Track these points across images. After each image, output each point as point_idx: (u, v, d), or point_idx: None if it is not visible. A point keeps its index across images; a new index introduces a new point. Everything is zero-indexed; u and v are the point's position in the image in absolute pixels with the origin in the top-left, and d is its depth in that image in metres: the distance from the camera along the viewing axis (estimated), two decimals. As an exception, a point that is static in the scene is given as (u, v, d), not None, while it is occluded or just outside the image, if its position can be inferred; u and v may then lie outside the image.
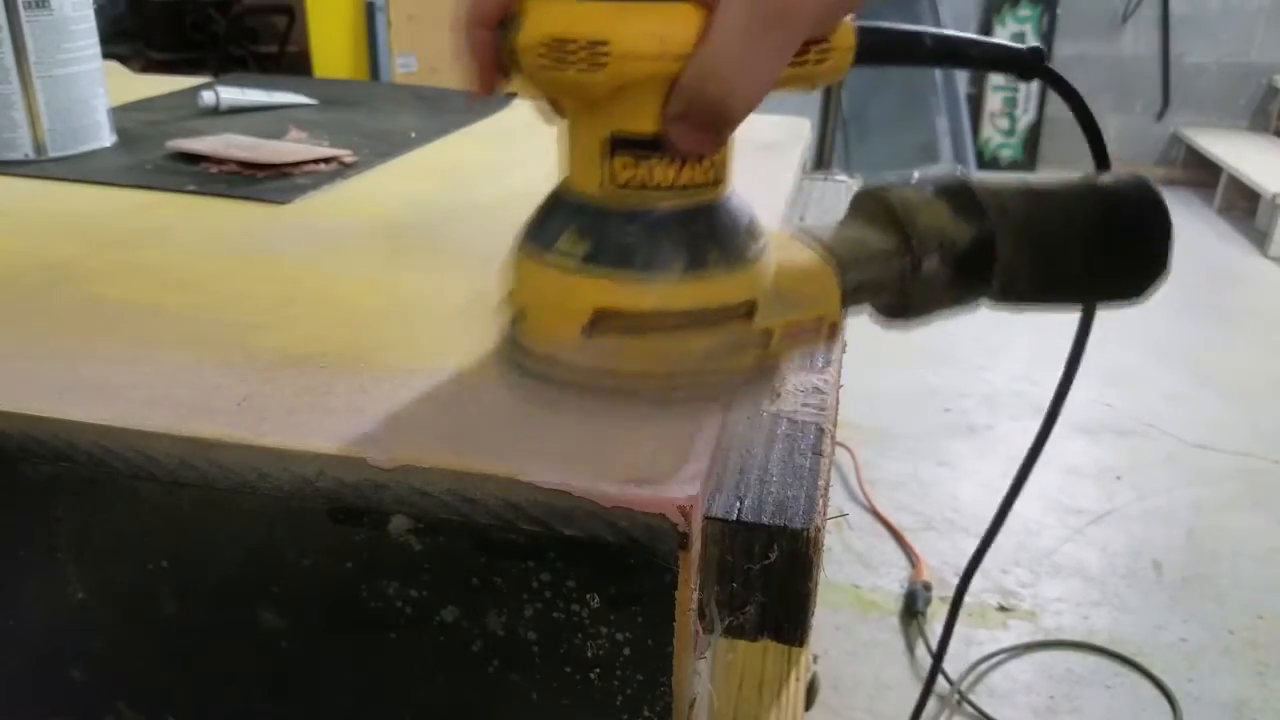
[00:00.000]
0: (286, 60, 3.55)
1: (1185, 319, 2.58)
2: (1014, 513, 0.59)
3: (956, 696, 1.29)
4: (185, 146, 0.65)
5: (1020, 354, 2.29)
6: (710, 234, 0.33)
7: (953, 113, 3.39)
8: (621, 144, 0.31)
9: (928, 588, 1.45)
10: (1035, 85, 3.77)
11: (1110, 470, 1.83)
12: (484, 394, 0.34)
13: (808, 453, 0.35)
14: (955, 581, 0.66)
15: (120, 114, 0.73)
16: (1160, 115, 3.84)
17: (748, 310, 0.33)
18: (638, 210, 0.32)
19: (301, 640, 0.33)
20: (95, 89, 0.67)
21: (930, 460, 1.85)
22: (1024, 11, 3.72)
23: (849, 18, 0.33)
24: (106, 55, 0.70)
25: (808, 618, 0.32)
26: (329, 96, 0.88)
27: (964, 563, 0.66)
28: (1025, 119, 3.84)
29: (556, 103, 0.33)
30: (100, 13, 0.79)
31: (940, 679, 1.30)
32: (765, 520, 0.31)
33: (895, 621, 1.44)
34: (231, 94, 0.81)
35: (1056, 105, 3.82)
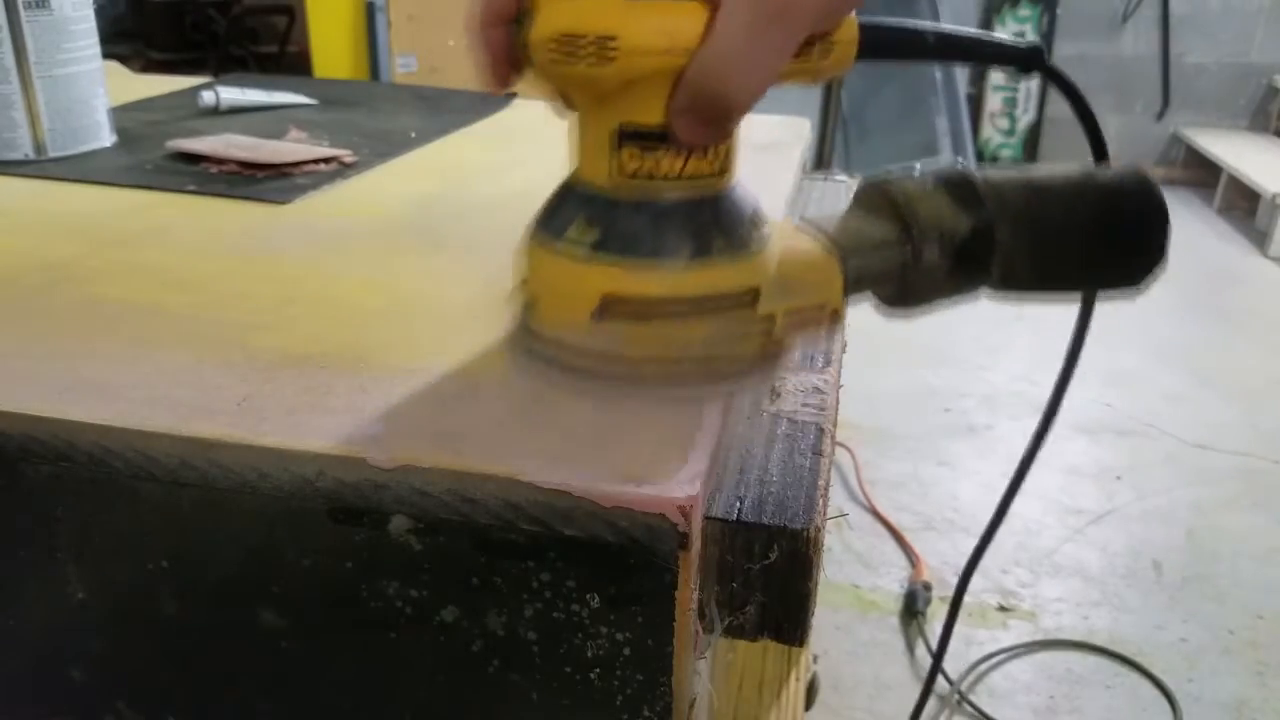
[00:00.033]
0: (286, 60, 3.55)
1: (1185, 319, 2.58)
2: (1014, 513, 0.59)
3: (956, 696, 1.29)
4: (185, 146, 0.65)
5: (1020, 354, 2.29)
6: (715, 223, 0.33)
7: (953, 113, 3.39)
8: (629, 136, 0.32)
9: (928, 588, 1.45)
10: (1035, 85, 3.77)
11: (1110, 470, 1.83)
12: (484, 393, 0.34)
13: (808, 453, 0.35)
14: (955, 581, 0.66)
15: (120, 114, 0.73)
16: (1160, 115, 3.84)
17: (751, 297, 0.34)
18: (645, 200, 0.33)
19: (301, 640, 0.33)
20: (95, 89, 0.67)
21: (930, 460, 1.85)
22: (1024, 11, 3.72)
23: (852, 14, 0.34)
24: (106, 55, 0.70)
25: (808, 618, 0.32)
26: (329, 96, 0.88)
27: (964, 563, 0.66)
28: (1025, 119, 3.84)
29: (567, 96, 0.34)
30: (100, 13, 0.79)
31: (940, 679, 1.30)
32: (765, 520, 0.31)
33: (895, 621, 1.44)
34: (231, 94, 0.81)
35: (1056, 105, 3.82)
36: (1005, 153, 3.86)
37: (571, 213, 0.34)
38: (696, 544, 0.29)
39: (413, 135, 0.74)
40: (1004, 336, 2.40)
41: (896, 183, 0.37)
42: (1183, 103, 3.82)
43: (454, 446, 0.30)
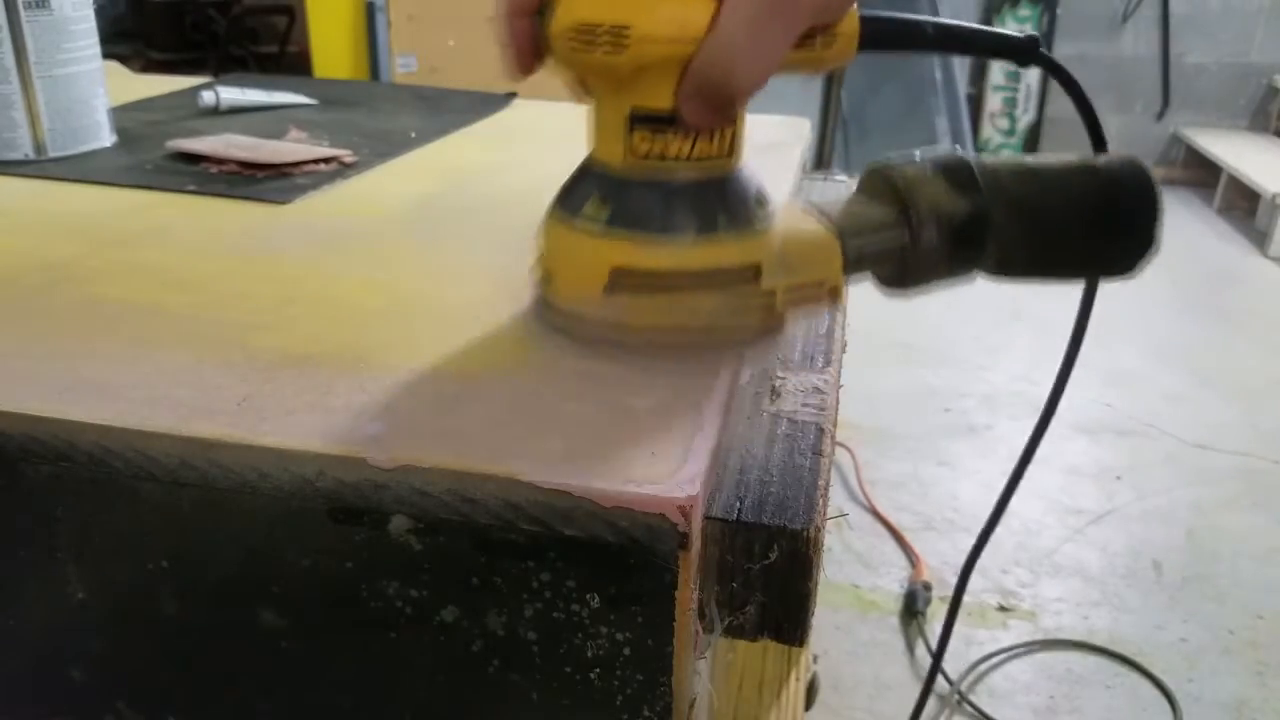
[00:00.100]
0: (286, 60, 3.55)
1: (1185, 319, 2.58)
2: (1014, 513, 0.60)
3: (956, 696, 1.29)
4: (185, 146, 0.65)
5: (1020, 354, 2.29)
6: (720, 202, 0.36)
7: (953, 113, 3.39)
8: (641, 119, 0.35)
9: (928, 588, 1.45)
10: (1035, 85, 3.77)
11: (1110, 470, 1.83)
12: (484, 393, 0.34)
13: (808, 453, 0.35)
14: (955, 581, 0.66)
15: (120, 114, 0.73)
16: (1160, 115, 3.84)
17: (754, 272, 0.36)
18: (655, 180, 0.35)
19: (301, 640, 0.33)
20: (95, 89, 0.67)
21: (930, 460, 1.85)
22: (1024, 11, 3.72)
23: (854, 6, 0.35)
24: (106, 55, 0.70)
25: (808, 618, 0.32)
26: (329, 96, 0.88)
27: (964, 563, 0.66)
28: (1025, 119, 3.84)
29: (585, 83, 0.36)
30: (100, 13, 0.79)
31: (940, 679, 1.30)
32: (765, 520, 0.31)
33: (895, 621, 1.44)
34: (231, 94, 0.81)
35: (1056, 105, 3.82)
36: (1005, 153, 3.86)
37: (587, 191, 0.37)
38: (696, 544, 0.29)
39: (413, 135, 0.74)
40: (1004, 336, 2.40)
41: (897, 167, 0.39)
42: (1183, 103, 3.82)
43: (454, 446, 0.30)
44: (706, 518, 0.30)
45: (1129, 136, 3.78)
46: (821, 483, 0.33)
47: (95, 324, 0.39)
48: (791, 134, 0.79)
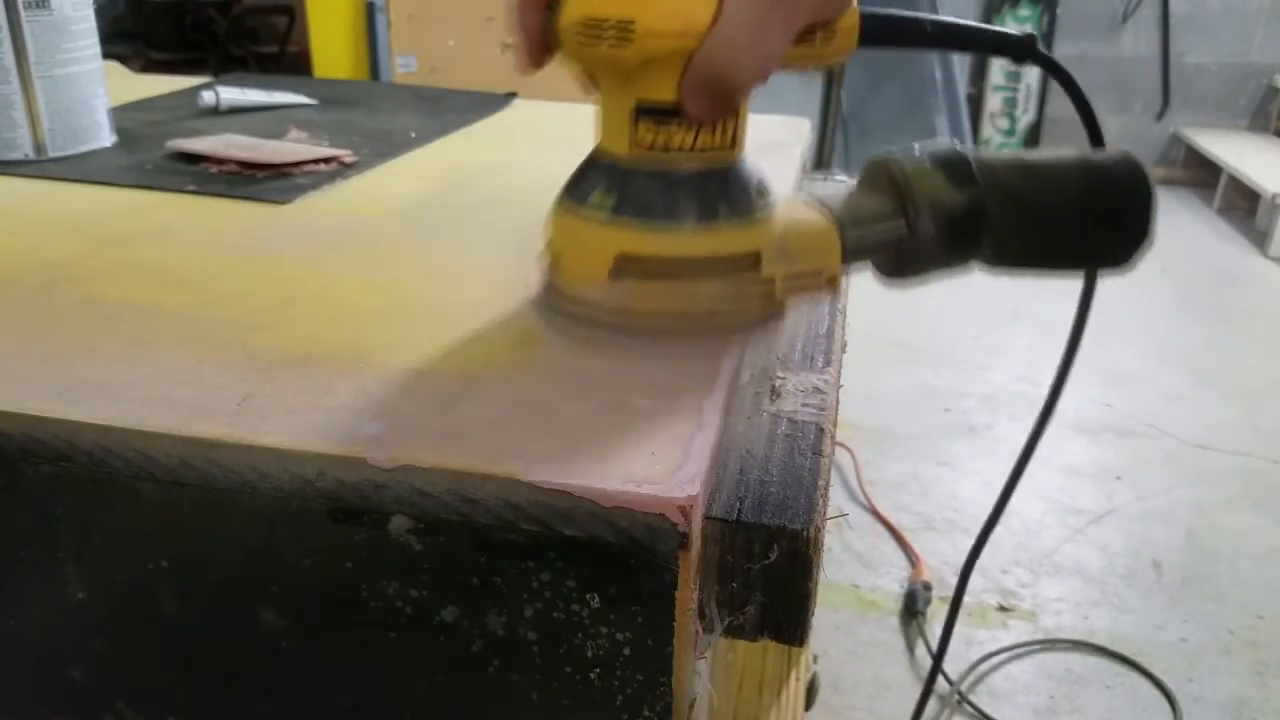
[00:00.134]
0: (286, 60, 3.55)
1: (1185, 319, 2.58)
2: (1014, 513, 0.60)
3: (956, 696, 1.29)
4: (185, 146, 0.65)
5: (1020, 354, 2.29)
6: (722, 192, 0.37)
7: (953, 113, 3.39)
8: (645, 111, 0.36)
9: (928, 588, 1.45)
10: (1035, 85, 3.77)
11: (1110, 470, 1.83)
12: (484, 393, 0.34)
13: (808, 453, 0.35)
14: (955, 581, 0.66)
15: (120, 114, 0.73)
16: (1160, 115, 3.84)
17: (754, 260, 0.37)
18: (659, 170, 0.37)
19: (301, 640, 0.33)
20: (95, 89, 0.67)
21: (930, 460, 1.85)
22: (1024, 11, 3.72)
23: (854, 3, 0.37)
24: (106, 55, 0.70)
25: (808, 618, 0.32)
26: (329, 96, 0.88)
27: (964, 562, 0.66)
28: (1025, 119, 3.84)
29: (593, 76, 0.37)
30: (100, 13, 0.79)
31: (940, 679, 1.30)
32: (765, 520, 0.31)
33: (895, 621, 1.44)
34: (231, 94, 0.81)
35: (1055, 105, 3.82)
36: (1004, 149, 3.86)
37: (594, 181, 0.38)
38: (696, 544, 0.29)
39: (413, 135, 0.74)
40: (1004, 336, 2.40)
41: (896, 161, 0.40)
42: (1183, 103, 3.82)
43: (454, 446, 0.30)
44: (706, 518, 0.30)
45: (1129, 136, 3.78)
46: (821, 483, 0.33)
47: (95, 324, 0.39)
48: (791, 134, 0.79)
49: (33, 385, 0.34)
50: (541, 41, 0.36)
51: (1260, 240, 3.13)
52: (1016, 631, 1.41)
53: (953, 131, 3.34)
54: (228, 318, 0.40)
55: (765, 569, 0.31)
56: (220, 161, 0.63)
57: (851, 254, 0.39)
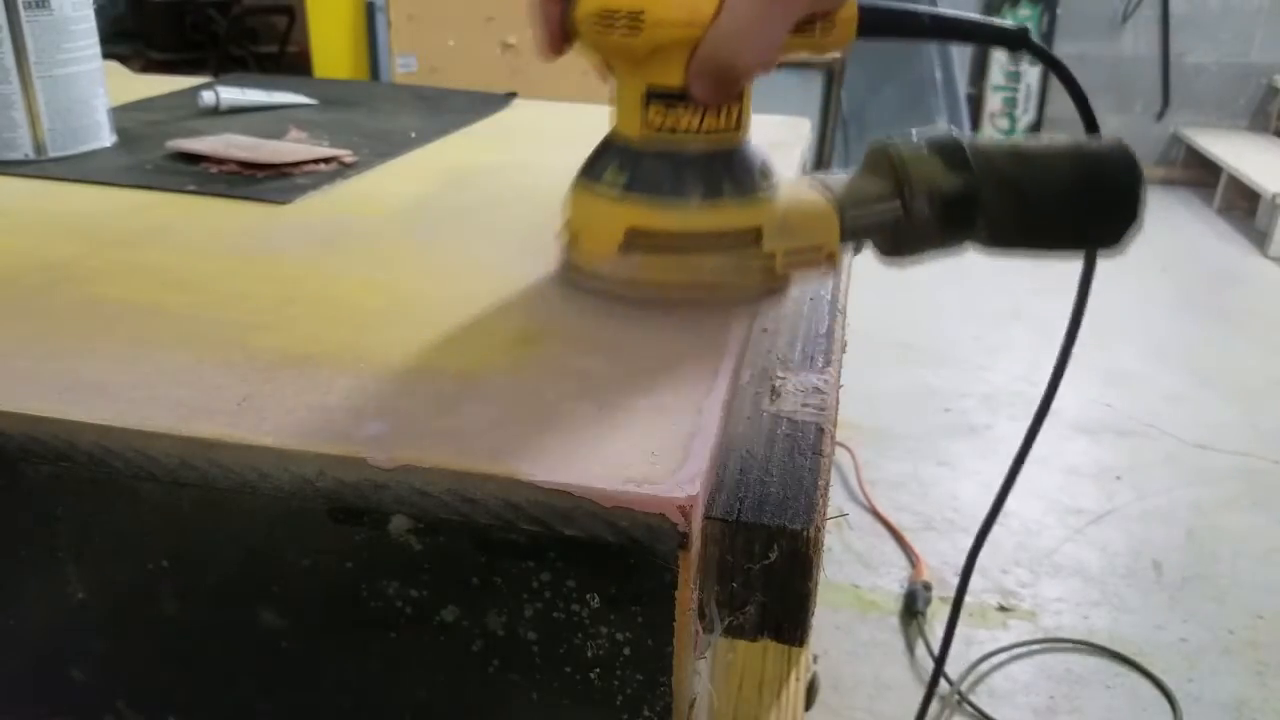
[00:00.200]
0: (286, 60, 3.55)
1: (1185, 319, 2.58)
2: (1014, 513, 0.60)
3: (956, 697, 1.29)
4: (185, 146, 0.65)
5: (1020, 354, 2.29)
6: (727, 171, 0.40)
7: (953, 112, 3.39)
8: (655, 96, 0.38)
9: (928, 588, 1.45)
10: (1035, 85, 3.77)
11: (1110, 470, 1.83)
12: (484, 393, 0.34)
13: (808, 453, 0.35)
14: (955, 581, 0.66)
15: (120, 114, 0.73)
16: (1160, 115, 3.84)
17: (756, 236, 0.40)
18: (668, 150, 0.39)
19: (302, 640, 0.33)
20: (95, 89, 0.67)
21: (930, 460, 1.85)
22: (1024, 11, 3.72)
23: None
24: (106, 55, 0.70)
25: (808, 618, 0.32)
26: (329, 96, 0.88)
27: (964, 562, 0.66)
28: (1025, 119, 3.84)
29: (608, 63, 0.40)
30: (100, 13, 0.79)
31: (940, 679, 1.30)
32: (765, 520, 0.31)
33: (895, 621, 1.44)
34: (231, 94, 0.81)
35: (1055, 106, 3.82)
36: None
37: (608, 161, 0.41)
38: (696, 544, 0.29)
39: (413, 135, 0.74)
40: (1004, 336, 2.40)
41: (895, 146, 0.42)
42: (1183, 103, 3.82)
43: (454, 446, 0.30)
44: (706, 518, 0.30)
45: (1129, 136, 3.74)
46: (821, 483, 0.33)
47: (95, 324, 0.39)
48: (791, 134, 0.79)
49: (33, 385, 0.34)
50: (560, 31, 0.39)
51: (1260, 240, 3.13)
52: (1016, 631, 1.41)
53: (953, 131, 3.34)
54: (228, 318, 0.40)
55: (765, 569, 0.31)
56: (220, 161, 0.63)
57: (850, 233, 0.42)
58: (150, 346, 0.37)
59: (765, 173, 0.41)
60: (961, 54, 3.61)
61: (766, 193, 0.40)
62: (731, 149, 0.40)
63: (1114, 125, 3.77)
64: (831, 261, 0.42)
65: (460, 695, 0.33)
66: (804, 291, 0.48)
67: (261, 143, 0.67)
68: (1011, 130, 3.84)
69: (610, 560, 0.29)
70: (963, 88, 3.53)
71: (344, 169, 0.64)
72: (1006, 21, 0.46)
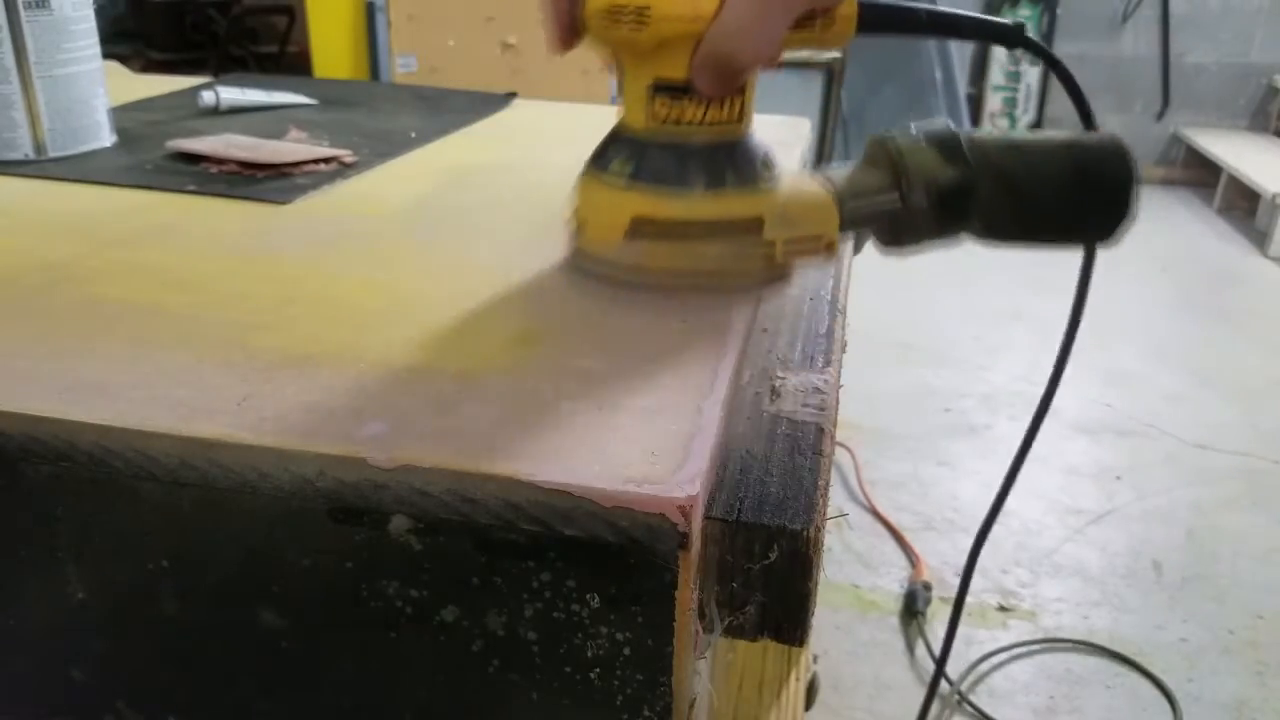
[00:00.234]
0: (286, 60, 3.55)
1: (1185, 319, 2.58)
2: (1014, 513, 0.60)
3: (956, 697, 1.29)
4: (185, 146, 0.65)
5: (1020, 354, 2.29)
6: (729, 162, 0.41)
7: (953, 113, 3.39)
8: (661, 88, 0.40)
9: (927, 588, 1.45)
10: (1035, 85, 3.77)
11: (1110, 470, 1.83)
12: (484, 393, 0.34)
13: (808, 453, 0.35)
14: (955, 581, 0.66)
15: (120, 114, 0.73)
16: (1160, 115, 3.84)
17: (757, 224, 0.41)
18: (672, 141, 0.41)
19: (302, 640, 0.33)
20: (95, 89, 0.67)
21: (930, 460, 1.85)
22: (1024, 11, 3.72)
23: None
24: (106, 55, 0.70)
25: (808, 618, 0.32)
26: (329, 96, 0.88)
27: (964, 562, 0.66)
28: (1025, 119, 3.84)
29: (615, 56, 0.41)
30: (100, 13, 0.79)
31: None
32: (765, 520, 0.31)
33: (895, 621, 1.44)
34: (231, 94, 0.81)
35: (1055, 105, 3.82)
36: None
37: (615, 152, 0.42)
38: (696, 544, 0.29)
39: (413, 135, 0.74)
40: (1004, 336, 2.40)
41: (893, 139, 0.43)
42: (1183, 103, 3.82)
43: (454, 446, 0.30)
44: (706, 518, 0.30)
45: (1129, 136, 3.75)
46: (821, 483, 0.33)
47: (95, 324, 0.39)
48: (791, 134, 0.79)
49: (33, 385, 0.34)
50: (570, 26, 0.40)
51: (1260, 240, 3.13)
52: (1016, 631, 1.41)
53: (953, 131, 3.34)
54: (228, 318, 0.40)
55: (765, 569, 0.31)
56: (220, 161, 0.63)
57: (849, 222, 0.43)
58: (150, 346, 0.37)
59: (768, 164, 0.42)
60: (961, 54, 3.61)
61: (768, 183, 0.41)
62: (734, 141, 0.41)
63: (1114, 125, 3.77)
64: (831, 250, 0.43)
65: (460, 695, 0.33)
66: (804, 291, 0.48)
67: (261, 143, 0.67)
68: (1012, 130, 3.84)
69: (610, 560, 0.29)
70: (963, 88, 3.53)
71: (344, 169, 0.64)
72: (1003, 19, 0.47)
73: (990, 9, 3.73)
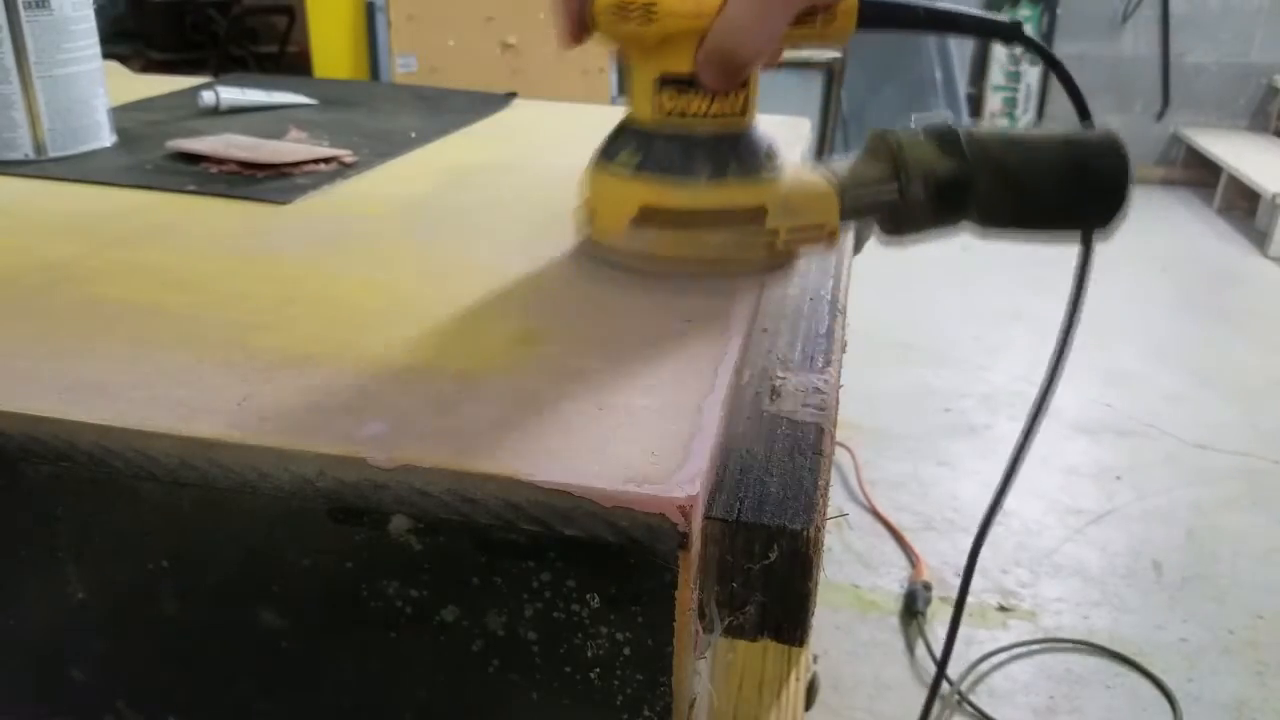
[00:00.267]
0: (286, 60, 3.55)
1: (1185, 319, 2.58)
2: (1014, 513, 0.60)
3: (956, 697, 1.29)
4: (185, 146, 0.65)
5: (1020, 354, 2.29)
6: (733, 153, 0.42)
7: (953, 112, 3.39)
8: (667, 81, 0.41)
9: (927, 588, 1.45)
10: (1035, 85, 3.77)
11: (1110, 470, 1.83)
12: (484, 393, 0.34)
13: (808, 453, 0.35)
14: (955, 581, 0.66)
15: (120, 114, 0.73)
16: (1160, 115, 3.84)
17: (760, 213, 0.42)
18: (678, 133, 0.42)
19: (302, 640, 0.33)
20: (95, 89, 0.67)
21: (930, 460, 1.85)
22: (1024, 11, 3.72)
23: None
24: (106, 55, 0.70)
25: (808, 618, 0.32)
26: (329, 96, 0.88)
27: (964, 562, 0.66)
28: (1025, 119, 3.84)
29: (625, 51, 0.43)
30: (100, 13, 0.79)
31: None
32: (765, 520, 0.31)
33: (895, 621, 1.44)
34: (231, 94, 0.81)
35: (1055, 105, 3.82)
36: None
37: (623, 143, 0.43)
38: (696, 544, 0.29)
39: (413, 135, 0.74)
40: (1004, 336, 2.40)
41: (894, 133, 0.44)
42: (1183, 103, 3.82)
43: (454, 446, 0.30)
44: (706, 518, 0.30)
45: (1129, 136, 3.75)
46: (821, 483, 0.33)
47: (95, 324, 0.39)
48: (791, 134, 0.79)
49: (33, 385, 0.34)
50: (580, 22, 0.41)
51: (1260, 240, 3.13)
52: (1016, 631, 1.41)
53: (953, 131, 3.34)
54: (228, 318, 0.40)
55: (765, 569, 0.31)
56: (220, 161, 0.63)
57: (850, 212, 0.44)
58: (150, 346, 0.37)
59: (771, 155, 0.43)
60: (961, 54, 3.61)
61: (771, 174, 0.43)
62: (738, 132, 0.43)
63: (1114, 125, 3.74)
64: (832, 239, 0.45)
65: (460, 695, 0.33)
66: (804, 291, 0.48)
67: (261, 143, 0.67)
68: (1011, 130, 3.84)
69: (610, 560, 0.29)
70: (963, 87, 3.53)
71: (344, 169, 0.64)
72: (1001, 16, 0.49)
73: (990, 8, 3.73)
